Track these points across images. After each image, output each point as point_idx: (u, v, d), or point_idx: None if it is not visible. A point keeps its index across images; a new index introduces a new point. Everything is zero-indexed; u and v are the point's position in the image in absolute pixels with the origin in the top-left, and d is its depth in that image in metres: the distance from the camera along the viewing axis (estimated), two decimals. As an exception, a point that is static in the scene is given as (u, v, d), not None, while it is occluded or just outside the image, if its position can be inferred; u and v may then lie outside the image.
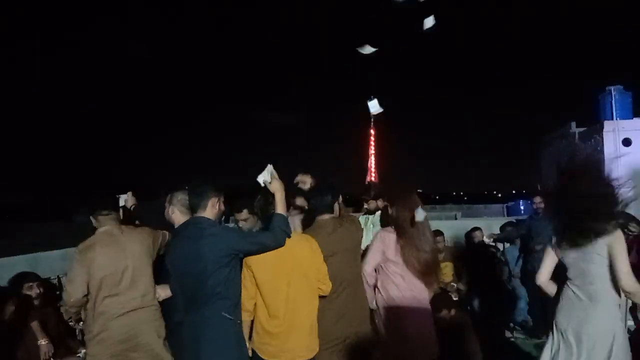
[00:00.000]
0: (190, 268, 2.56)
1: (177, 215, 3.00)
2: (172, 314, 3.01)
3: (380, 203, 4.36)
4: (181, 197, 2.97)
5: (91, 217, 3.08)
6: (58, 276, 4.88)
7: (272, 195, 2.73)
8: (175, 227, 2.98)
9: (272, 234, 2.63)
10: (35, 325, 3.77)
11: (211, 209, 2.69)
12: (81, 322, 3.32)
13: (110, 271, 2.91)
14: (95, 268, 2.89)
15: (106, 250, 2.94)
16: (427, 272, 3.11)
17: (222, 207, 2.77)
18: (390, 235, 3.13)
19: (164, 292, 3.06)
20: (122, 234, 3.04)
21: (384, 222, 3.66)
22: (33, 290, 3.97)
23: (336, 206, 3.13)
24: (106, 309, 2.89)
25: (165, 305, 3.10)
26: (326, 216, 3.05)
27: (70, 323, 4.22)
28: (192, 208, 2.71)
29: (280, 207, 2.69)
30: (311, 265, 2.76)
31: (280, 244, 2.65)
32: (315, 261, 2.78)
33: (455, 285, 5.36)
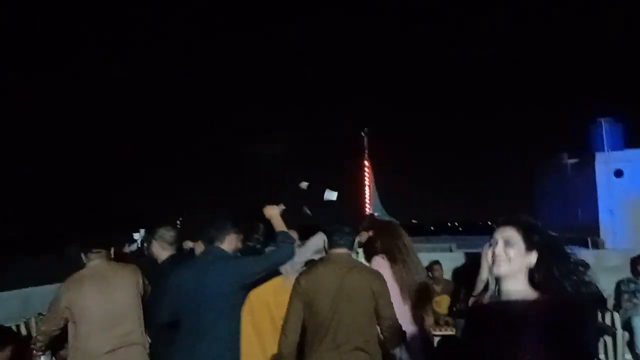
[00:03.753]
0: (196, 295, 2.56)
1: (158, 249, 3.17)
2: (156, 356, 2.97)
3: (370, 233, 4.39)
4: (162, 233, 3.16)
5: (82, 254, 3.06)
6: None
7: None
8: (159, 261, 3.15)
9: (278, 251, 2.78)
10: None
11: (228, 243, 2.77)
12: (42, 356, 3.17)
13: (98, 306, 2.85)
14: (82, 302, 2.83)
15: (95, 284, 2.89)
16: (421, 296, 3.17)
17: (239, 245, 2.88)
18: (382, 262, 3.23)
19: None
20: (111, 269, 3.02)
21: (367, 252, 3.73)
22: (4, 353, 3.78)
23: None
24: (93, 345, 2.80)
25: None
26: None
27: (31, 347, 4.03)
28: (211, 239, 2.79)
29: (278, 227, 2.89)
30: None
31: (289, 254, 2.79)
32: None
33: (447, 319, 5.31)
